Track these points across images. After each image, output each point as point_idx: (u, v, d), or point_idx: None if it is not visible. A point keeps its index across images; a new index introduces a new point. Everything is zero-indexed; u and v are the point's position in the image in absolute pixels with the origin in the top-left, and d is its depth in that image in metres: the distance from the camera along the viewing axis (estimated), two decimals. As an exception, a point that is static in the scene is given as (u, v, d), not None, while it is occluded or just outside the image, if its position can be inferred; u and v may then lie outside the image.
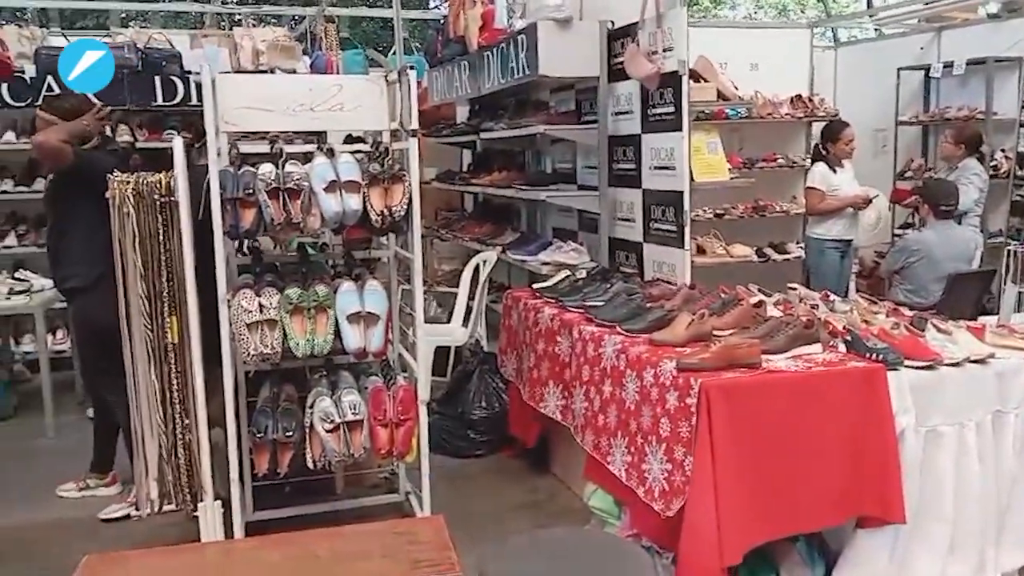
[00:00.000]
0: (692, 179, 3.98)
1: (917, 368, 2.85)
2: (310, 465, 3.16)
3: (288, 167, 3.11)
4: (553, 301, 3.98)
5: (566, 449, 3.97)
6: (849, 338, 2.98)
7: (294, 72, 5.60)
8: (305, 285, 3.21)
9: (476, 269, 5.39)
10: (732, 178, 4.34)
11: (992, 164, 5.80)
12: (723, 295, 3.54)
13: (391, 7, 6.76)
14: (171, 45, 5.72)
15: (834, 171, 5.54)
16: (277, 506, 3.56)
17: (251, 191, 3.02)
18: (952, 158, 5.77)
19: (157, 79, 5.64)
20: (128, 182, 3.13)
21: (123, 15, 11.00)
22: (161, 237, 3.17)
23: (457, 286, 5.62)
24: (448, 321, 5.52)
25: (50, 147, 3.61)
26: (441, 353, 5.34)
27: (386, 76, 3.39)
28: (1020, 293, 5.26)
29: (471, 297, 5.31)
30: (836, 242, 5.57)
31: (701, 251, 5.26)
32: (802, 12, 17.72)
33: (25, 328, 5.97)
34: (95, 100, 3.98)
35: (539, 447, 4.28)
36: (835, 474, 2.75)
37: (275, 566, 2.25)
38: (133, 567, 2.28)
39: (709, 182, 4.12)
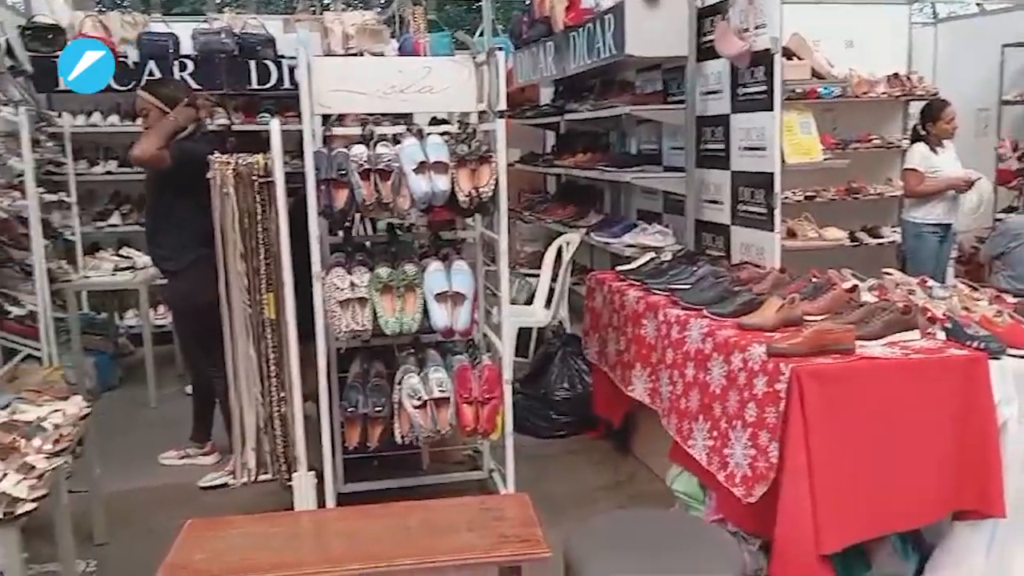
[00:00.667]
0: (783, 160, 3.89)
1: (1021, 357, 2.74)
2: (398, 440, 3.24)
3: (379, 148, 3.18)
4: (638, 284, 3.96)
5: (649, 432, 3.96)
6: (949, 325, 2.88)
7: (382, 55, 5.69)
8: (394, 264, 3.27)
9: (559, 251, 5.40)
10: (825, 159, 4.21)
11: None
12: (814, 279, 3.46)
13: (477, -11, 6.80)
14: (265, 30, 5.88)
15: (934, 152, 5.32)
16: (365, 479, 3.67)
17: (344, 172, 3.10)
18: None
19: (252, 63, 5.81)
20: (228, 163, 3.25)
21: (219, 1, 11.33)
22: (259, 216, 3.28)
23: (539, 268, 5.64)
24: (529, 303, 5.55)
25: (148, 159, 3.74)
26: (523, 334, 5.38)
27: (474, 58, 3.41)
28: None
29: (553, 279, 5.33)
30: (935, 226, 5.35)
31: (791, 234, 5.13)
32: (900, -14, 16.94)
33: (129, 303, 6.28)
34: (192, 86, 4.09)
35: (621, 429, 4.28)
36: (933, 466, 2.68)
37: (368, 535, 2.33)
38: (234, 531, 2.38)
39: (801, 163, 4.00)
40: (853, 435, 2.63)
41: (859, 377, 2.67)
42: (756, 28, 3.92)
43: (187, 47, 5.84)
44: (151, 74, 5.81)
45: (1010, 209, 6.03)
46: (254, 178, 3.26)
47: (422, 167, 3.14)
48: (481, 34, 6.27)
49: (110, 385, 5.55)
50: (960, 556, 2.74)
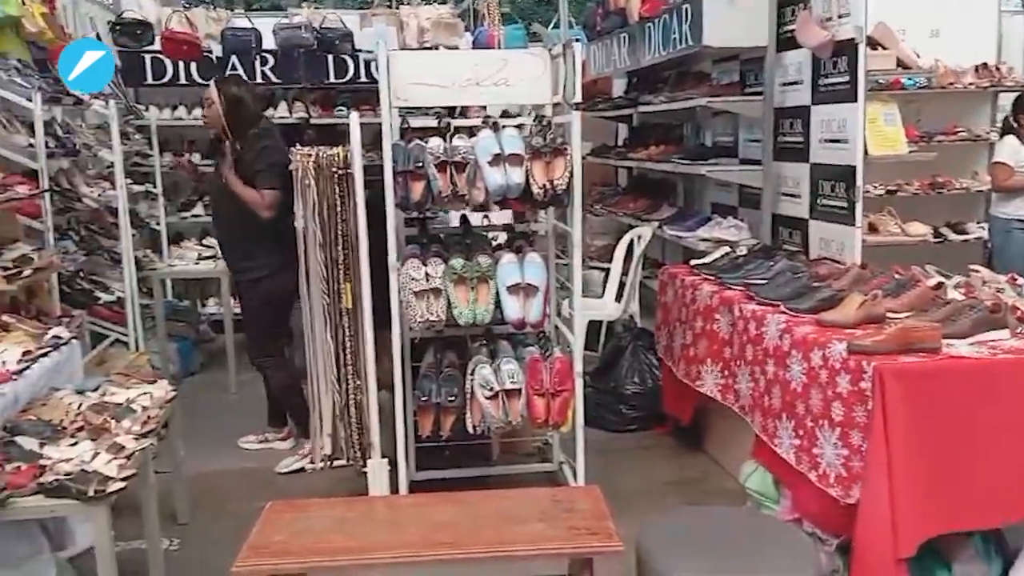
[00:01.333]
0: (866, 152, 3.78)
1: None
2: (470, 430, 3.27)
3: (455, 141, 3.20)
4: (712, 278, 3.90)
5: (721, 428, 3.91)
6: (1041, 325, 2.77)
7: (456, 48, 5.72)
8: (468, 256, 3.30)
9: (630, 244, 5.36)
10: (910, 152, 4.08)
11: None
12: (897, 276, 3.36)
13: (550, -19, 6.79)
14: (343, 24, 5.97)
15: (1025, 145, 5.10)
16: (436, 467, 3.72)
17: (420, 164, 3.13)
18: None
19: (330, 57, 5.91)
20: (309, 155, 3.32)
21: (297, -4, 11.54)
22: (338, 207, 3.35)
23: (609, 261, 5.61)
24: (600, 296, 5.52)
25: (276, 201, 3.80)
26: (592, 328, 5.36)
27: (550, 50, 3.41)
28: None
29: (624, 272, 5.29)
30: (1024, 222, 5.14)
31: (873, 229, 4.98)
32: (989, -27, 16.25)
33: (210, 291, 6.49)
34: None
35: (691, 425, 4.23)
36: (1018, 466, 2.58)
37: (441, 521, 2.36)
38: (312, 514, 2.45)
39: (885, 156, 3.88)
40: (935, 435, 2.56)
41: (945, 376, 2.59)
42: (839, 17, 3.82)
43: (268, 42, 5.98)
44: (233, 68, 5.98)
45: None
46: (334, 170, 3.33)
47: (497, 159, 3.15)
48: (556, 26, 6.26)
49: (191, 370, 5.74)
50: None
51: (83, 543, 3.01)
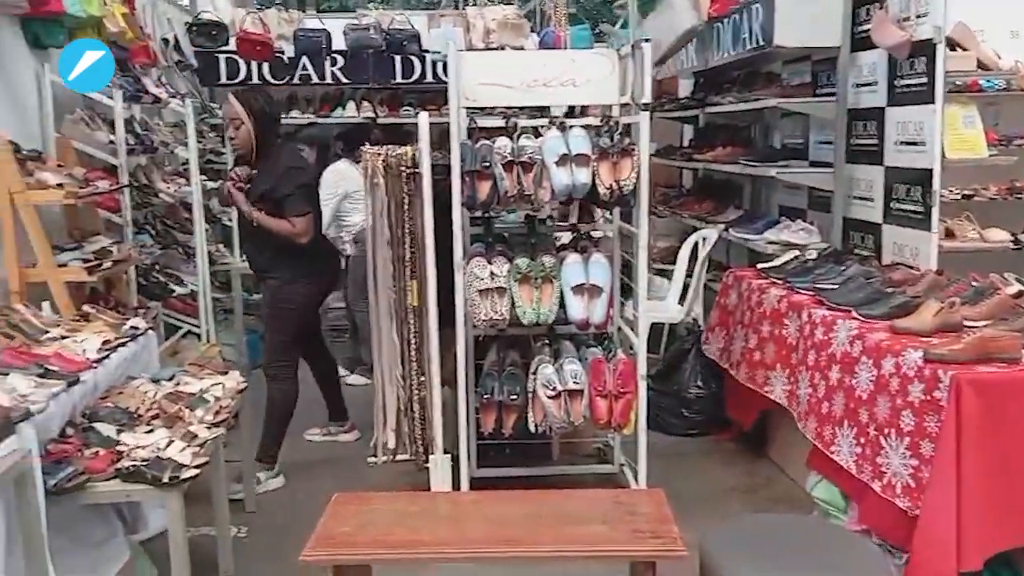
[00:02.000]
0: (944, 156, 3.67)
1: None
2: (532, 429, 3.28)
3: (522, 140, 3.21)
4: (780, 282, 3.84)
5: (786, 434, 3.84)
6: None
7: (522, 49, 5.74)
8: (533, 256, 3.31)
9: (694, 246, 5.30)
10: (990, 155, 3.94)
11: None
12: (975, 283, 3.26)
13: (616, -19, 6.76)
14: (411, 25, 6.04)
15: (1114, 149, 4.88)
16: (497, 465, 3.73)
17: (487, 164, 3.15)
18: None
19: (397, 58, 5.98)
20: (379, 155, 3.37)
21: (367, -3, 11.71)
22: (406, 206, 3.39)
23: (672, 263, 5.55)
24: (663, 299, 5.47)
25: (311, 227, 3.74)
26: (655, 330, 5.31)
27: (618, 50, 3.39)
28: None
29: (688, 275, 5.23)
30: (1111, 230, 4.92)
31: (949, 234, 4.82)
32: (1076, -31, 15.61)
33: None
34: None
35: (756, 430, 4.17)
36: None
37: (503, 519, 2.37)
38: (376, 507, 2.48)
39: (963, 159, 3.77)
40: (1009, 447, 2.49)
41: (1025, 388, 2.50)
42: (917, 17, 3.72)
43: (338, 42, 6.08)
44: (304, 69, 6.09)
45: None
46: (402, 169, 3.37)
47: (564, 159, 3.15)
48: (624, 26, 6.22)
49: (259, 363, 5.85)
50: None
51: (155, 527, 3.12)
